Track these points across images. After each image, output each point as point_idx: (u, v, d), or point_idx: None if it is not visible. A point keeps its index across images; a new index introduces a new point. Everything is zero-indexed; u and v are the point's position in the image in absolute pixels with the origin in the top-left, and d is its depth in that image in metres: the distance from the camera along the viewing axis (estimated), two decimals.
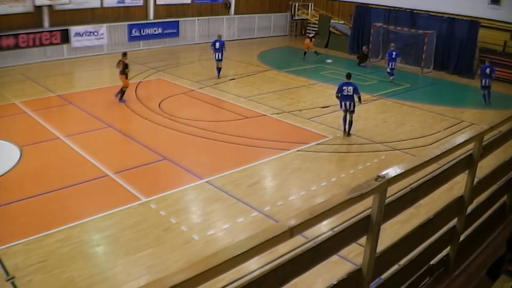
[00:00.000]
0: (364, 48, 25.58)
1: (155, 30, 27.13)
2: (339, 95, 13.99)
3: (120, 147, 13.12)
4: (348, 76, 14.29)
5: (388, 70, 22.03)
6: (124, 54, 17.17)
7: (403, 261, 3.71)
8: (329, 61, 25.26)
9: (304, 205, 10.16)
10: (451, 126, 15.62)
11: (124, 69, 16.87)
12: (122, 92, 17.04)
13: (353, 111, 14.10)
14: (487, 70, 18.52)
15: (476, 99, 20.16)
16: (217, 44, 20.41)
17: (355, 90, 13.87)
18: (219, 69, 20.90)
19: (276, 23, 33.37)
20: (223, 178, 11.30)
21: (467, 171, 4.12)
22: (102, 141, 13.39)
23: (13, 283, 7.28)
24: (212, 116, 15.78)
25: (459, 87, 21.98)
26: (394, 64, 22.05)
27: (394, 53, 22.10)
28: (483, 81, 18.67)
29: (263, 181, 11.71)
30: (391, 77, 21.92)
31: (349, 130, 14.37)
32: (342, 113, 14.41)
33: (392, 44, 23.08)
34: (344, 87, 13.92)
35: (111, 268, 7.86)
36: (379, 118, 16.34)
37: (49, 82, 19.07)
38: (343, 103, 13.99)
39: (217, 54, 20.47)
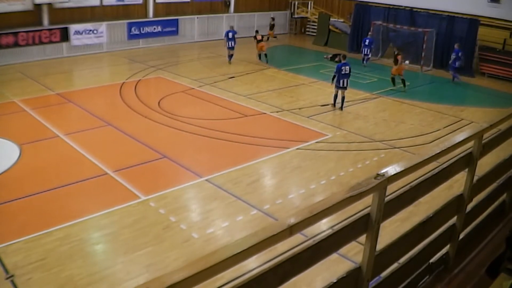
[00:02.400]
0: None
1: (154, 28, 27.10)
2: (338, 74, 16.50)
3: (120, 145, 13.10)
4: (344, 57, 17.20)
5: (363, 55, 24.28)
6: (257, 32, 23.94)
7: (402, 259, 3.72)
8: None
9: (304, 203, 10.17)
10: (451, 124, 15.63)
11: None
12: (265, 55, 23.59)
13: (346, 88, 16.69)
14: (460, 54, 21.33)
15: (476, 97, 20.21)
16: (230, 34, 22.98)
17: (350, 69, 16.74)
18: (230, 56, 23.54)
19: (276, 21, 33.30)
20: (223, 176, 11.30)
21: (466, 169, 4.12)
22: (101, 139, 13.38)
23: (12, 282, 7.28)
24: (211, 114, 15.76)
25: (458, 85, 21.96)
26: (368, 51, 24.04)
27: (367, 40, 24.06)
28: (457, 63, 21.41)
29: (262, 179, 11.71)
30: (365, 63, 24.10)
31: (342, 105, 16.82)
32: (336, 98, 16.90)
33: (370, 33, 24.79)
34: (342, 67, 16.52)
35: (110, 266, 7.86)
36: (379, 116, 16.34)
37: (48, 80, 19.06)
38: (341, 81, 16.54)
39: (230, 42, 23.05)
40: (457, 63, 21.42)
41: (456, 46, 21.65)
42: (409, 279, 3.85)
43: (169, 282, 1.90)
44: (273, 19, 28.21)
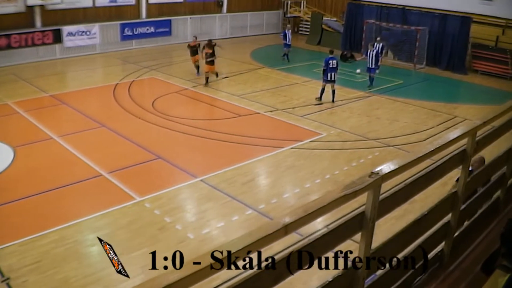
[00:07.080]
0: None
1: (147, 29, 27.03)
2: (326, 68, 17.13)
3: (114, 146, 13.07)
4: (331, 51, 17.74)
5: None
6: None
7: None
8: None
9: (299, 202, 10.17)
10: (444, 122, 15.67)
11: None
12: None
13: (334, 81, 17.32)
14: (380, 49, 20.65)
15: (469, 94, 20.28)
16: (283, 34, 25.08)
17: (337, 63, 17.44)
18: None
19: (268, 20, 33.34)
20: (217, 176, 11.29)
21: (460, 167, 4.13)
22: (95, 141, 13.34)
23: (8, 284, 7.25)
24: (205, 115, 15.76)
25: (452, 82, 22.04)
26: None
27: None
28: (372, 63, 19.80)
29: (257, 179, 11.71)
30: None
31: (333, 98, 17.41)
32: (323, 92, 17.44)
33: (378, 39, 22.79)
34: (330, 61, 17.16)
35: (106, 268, 7.82)
36: (373, 114, 16.37)
37: (41, 82, 18.98)
38: (329, 74, 17.16)
39: (284, 42, 24.76)
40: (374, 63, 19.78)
41: (378, 39, 21.39)
42: (404, 277, 3.85)
43: (165, 282, 1.90)
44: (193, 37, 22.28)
